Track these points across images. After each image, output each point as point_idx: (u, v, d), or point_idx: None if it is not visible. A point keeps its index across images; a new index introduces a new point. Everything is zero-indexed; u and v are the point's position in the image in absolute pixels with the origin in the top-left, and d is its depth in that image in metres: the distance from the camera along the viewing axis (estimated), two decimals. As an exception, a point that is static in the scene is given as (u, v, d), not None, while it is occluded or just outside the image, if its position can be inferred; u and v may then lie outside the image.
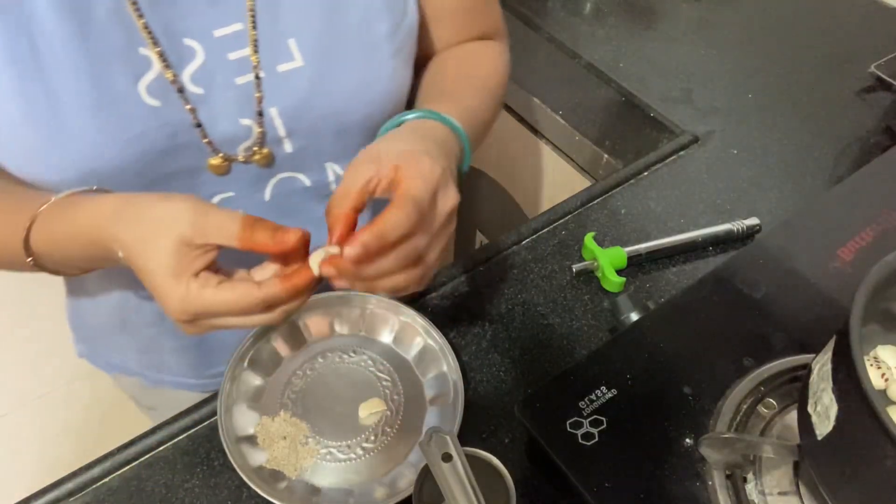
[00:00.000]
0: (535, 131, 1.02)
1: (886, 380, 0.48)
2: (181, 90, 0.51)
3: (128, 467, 0.60)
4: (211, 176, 0.56)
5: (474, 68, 0.65)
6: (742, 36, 1.05)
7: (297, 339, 0.66)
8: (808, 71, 0.98)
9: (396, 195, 0.45)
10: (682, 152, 0.87)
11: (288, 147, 0.57)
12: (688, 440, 0.54)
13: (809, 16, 1.08)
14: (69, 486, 0.58)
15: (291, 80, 0.54)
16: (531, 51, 1.03)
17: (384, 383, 0.64)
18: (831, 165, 0.85)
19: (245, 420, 0.60)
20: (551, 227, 0.78)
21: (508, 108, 1.05)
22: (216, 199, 0.58)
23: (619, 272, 0.71)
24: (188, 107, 0.52)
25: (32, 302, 1.86)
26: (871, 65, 0.94)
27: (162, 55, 0.50)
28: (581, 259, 0.74)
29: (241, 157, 0.56)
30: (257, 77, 0.53)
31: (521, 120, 1.03)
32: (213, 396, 0.63)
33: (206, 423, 0.62)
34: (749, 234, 0.75)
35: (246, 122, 0.54)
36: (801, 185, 0.82)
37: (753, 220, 0.75)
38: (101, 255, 0.49)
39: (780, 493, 0.52)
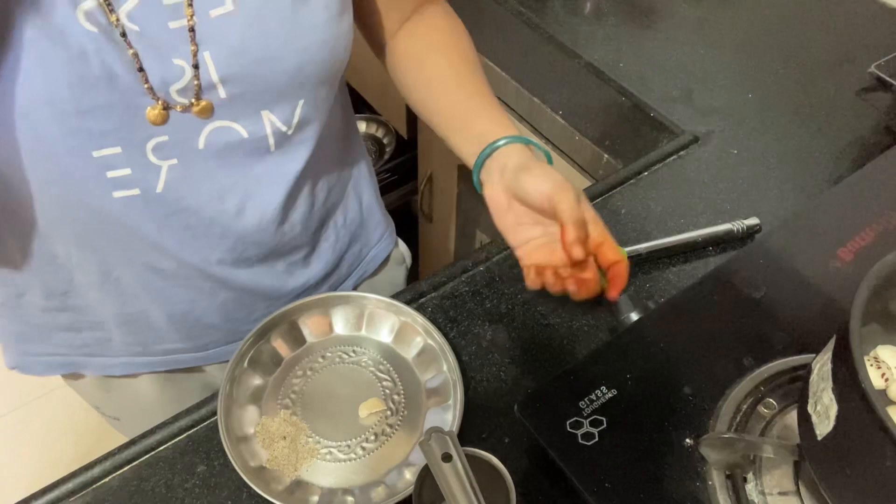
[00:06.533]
0: (535, 131, 1.02)
1: (886, 380, 0.48)
2: (124, 34, 0.50)
3: (128, 467, 0.60)
4: (146, 120, 0.55)
5: (466, 52, 0.70)
6: (742, 36, 1.05)
7: (297, 339, 0.66)
8: (808, 71, 0.98)
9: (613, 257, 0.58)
10: (682, 152, 0.87)
11: (222, 93, 0.56)
12: (688, 440, 0.54)
13: (809, 16, 1.08)
14: (69, 486, 0.59)
15: (223, 26, 0.54)
16: (531, 51, 1.03)
17: (384, 383, 0.64)
18: (831, 165, 0.85)
19: (245, 420, 0.60)
20: (551, 227, 0.78)
21: (509, 108, 1.05)
22: (151, 144, 0.57)
23: (619, 272, 0.71)
24: (131, 50, 0.51)
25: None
26: (871, 65, 0.94)
27: None
28: (581, 259, 0.74)
29: (178, 108, 0.55)
30: (192, 29, 0.53)
31: (522, 120, 1.03)
32: (213, 396, 0.63)
33: (206, 423, 0.62)
34: (749, 234, 0.75)
35: (179, 62, 0.54)
36: (801, 185, 0.82)
37: (753, 220, 0.75)
38: None
39: (780, 493, 0.52)
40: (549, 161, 0.62)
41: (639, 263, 0.73)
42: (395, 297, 0.68)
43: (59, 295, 0.67)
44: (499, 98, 1.05)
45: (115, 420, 0.84)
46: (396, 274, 0.88)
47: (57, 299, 0.67)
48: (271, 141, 0.61)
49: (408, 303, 0.68)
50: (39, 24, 0.48)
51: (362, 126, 1.74)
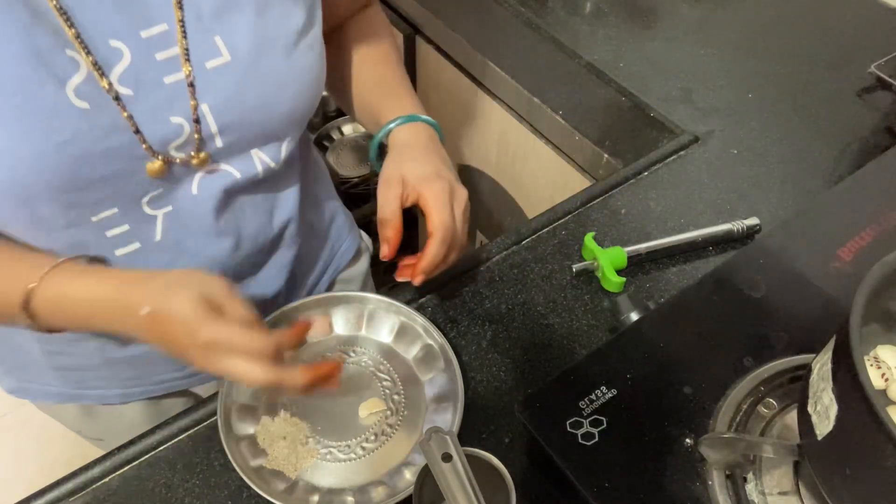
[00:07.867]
0: (535, 131, 1.02)
1: (886, 380, 0.48)
2: (117, 98, 0.50)
3: (128, 467, 0.60)
4: (145, 177, 0.55)
5: (388, 48, 0.75)
6: (742, 36, 1.05)
7: (297, 339, 0.66)
8: (808, 71, 0.98)
9: (431, 229, 0.61)
10: (682, 152, 0.87)
11: (219, 142, 0.57)
12: (688, 440, 0.54)
13: (809, 16, 1.08)
14: (69, 486, 0.59)
15: (220, 76, 0.54)
16: (531, 51, 1.03)
17: (384, 383, 0.64)
18: (831, 165, 0.85)
19: (245, 420, 0.60)
20: (551, 227, 0.78)
21: (509, 108, 1.05)
22: (146, 198, 0.57)
23: (619, 272, 0.71)
24: (125, 113, 0.51)
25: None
26: (871, 65, 0.94)
27: (93, 60, 0.49)
28: (581, 259, 0.74)
29: (178, 161, 0.56)
30: (191, 84, 0.53)
31: (522, 120, 1.03)
32: (213, 396, 0.63)
33: (206, 423, 0.62)
34: (749, 234, 0.75)
35: (177, 119, 0.54)
36: (801, 185, 0.82)
37: (753, 220, 0.75)
38: (117, 315, 0.52)
39: (780, 493, 0.52)
40: (439, 133, 0.68)
41: (639, 263, 0.73)
42: (395, 297, 0.68)
43: (58, 341, 0.66)
44: (499, 98, 1.06)
45: (98, 441, 0.83)
46: (363, 262, 0.89)
47: (55, 344, 0.67)
48: (262, 177, 0.62)
49: (408, 303, 0.68)
50: (30, 110, 0.47)
51: (361, 127, 1.74)
